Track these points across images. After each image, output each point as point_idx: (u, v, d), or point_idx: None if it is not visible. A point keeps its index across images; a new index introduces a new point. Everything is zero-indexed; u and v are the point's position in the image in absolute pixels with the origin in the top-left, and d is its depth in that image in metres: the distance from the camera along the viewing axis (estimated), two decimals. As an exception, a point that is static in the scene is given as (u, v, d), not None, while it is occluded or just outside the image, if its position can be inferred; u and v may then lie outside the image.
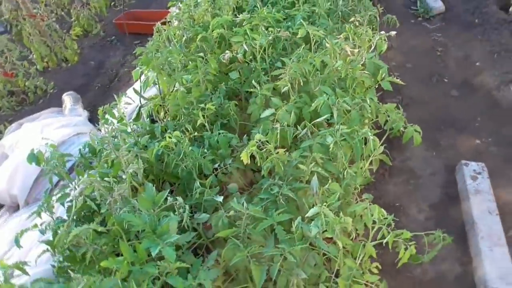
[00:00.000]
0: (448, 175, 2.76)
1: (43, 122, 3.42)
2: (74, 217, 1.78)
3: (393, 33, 2.37)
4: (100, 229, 1.56)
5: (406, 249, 1.60)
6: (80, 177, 2.15)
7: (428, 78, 3.70)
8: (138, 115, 3.00)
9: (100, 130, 3.49)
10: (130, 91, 3.63)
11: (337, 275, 1.80)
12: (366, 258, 1.74)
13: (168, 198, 1.64)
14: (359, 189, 1.95)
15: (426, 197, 2.62)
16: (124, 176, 1.75)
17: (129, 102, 2.68)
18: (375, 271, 1.87)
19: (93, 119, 3.89)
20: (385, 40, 2.47)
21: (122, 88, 4.37)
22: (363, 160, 2.10)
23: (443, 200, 2.59)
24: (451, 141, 3.02)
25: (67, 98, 4.03)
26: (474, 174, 2.58)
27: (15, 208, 2.94)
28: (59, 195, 1.90)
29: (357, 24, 2.70)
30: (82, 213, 1.90)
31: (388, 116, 2.23)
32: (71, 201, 1.83)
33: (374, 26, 2.93)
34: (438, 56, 3.98)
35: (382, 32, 2.38)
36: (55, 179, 2.90)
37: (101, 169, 2.09)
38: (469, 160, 2.76)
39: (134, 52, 4.74)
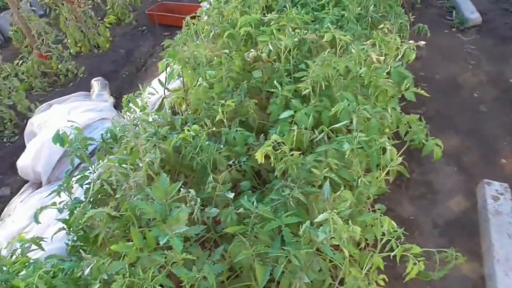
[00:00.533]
0: (468, 192, 2.69)
1: (71, 104, 3.52)
2: (91, 199, 1.83)
3: (422, 43, 2.32)
4: (113, 213, 1.61)
5: (414, 264, 1.56)
6: (100, 161, 2.22)
7: (456, 91, 3.61)
8: (161, 105, 3.05)
9: (123, 117, 3.57)
10: (155, 82, 3.70)
11: (341, 283, 1.79)
12: (374, 269, 1.71)
13: (181, 189, 1.67)
14: (372, 199, 1.92)
15: (442, 213, 2.56)
16: (141, 164, 1.78)
17: (153, 92, 2.74)
18: (382, 283, 1.84)
19: (118, 106, 3.97)
20: (413, 49, 2.43)
21: (148, 78, 4.45)
22: (380, 169, 2.07)
23: (460, 218, 2.53)
24: (475, 158, 2.95)
25: (96, 83, 4.13)
26: (496, 194, 2.51)
27: (38, 184, 3.05)
28: (78, 176, 1.96)
29: (386, 31, 2.66)
30: (99, 196, 1.95)
31: (410, 127, 2.20)
32: (89, 183, 1.90)
33: (403, 34, 2.88)
34: (469, 69, 3.88)
35: (411, 41, 2.33)
36: (77, 161, 2.99)
37: (120, 155, 2.15)
38: (492, 180, 2.68)
39: (162, 43, 4.83)
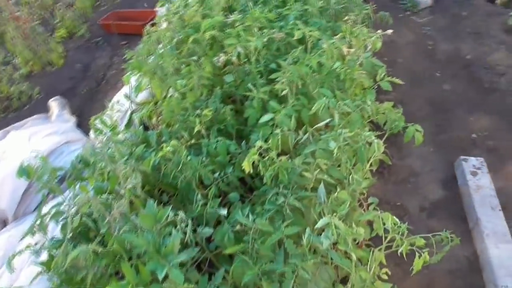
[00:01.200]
0: (447, 170, 2.74)
1: (30, 130, 3.31)
2: (70, 236, 1.71)
3: (389, 31, 2.33)
4: (100, 250, 1.50)
5: (420, 256, 1.56)
6: (72, 189, 2.09)
7: (420, 73, 3.68)
8: (130, 121, 2.92)
9: (90, 138, 3.40)
10: (119, 96, 3.54)
11: (342, 281, 1.77)
12: (376, 265, 1.70)
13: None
14: (365, 194, 1.91)
15: (427, 195, 2.60)
16: (122, 191, 1.67)
17: (120, 109, 2.61)
18: (385, 277, 1.83)
19: (81, 125, 3.78)
20: (379, 38, 2.44)
21: (110, 91, 4.26)
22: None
23: (445, 197, 2.58)
24: (448, 136, 3.01)
25: (54, 104, 3.91)
26: (474, 170, 2.57)
27: (3, 222, 2.84)
28: (52, 212, 1.82)
29: (351, 22, 2.66)
30: (78, 231, 1.82)
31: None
32: (65, 218, 1.77)
33: (367, 24, 2.89)
34: (428, 50, 3.97)
35: (379, 31, 2.33)
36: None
37: (95, 182, 2.03)
38: (467, 155, 2.75)
39: (121, 53, 4.62)
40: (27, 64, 4.69)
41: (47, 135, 3.13)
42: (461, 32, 4.02)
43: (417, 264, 1.57)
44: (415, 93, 3.45)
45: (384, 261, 1.71)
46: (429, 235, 1.81)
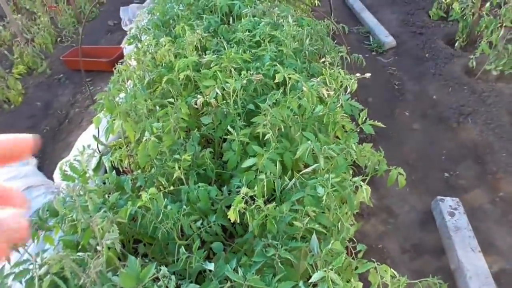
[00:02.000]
0: (424, 211, 2.76)
1: (-14, 174, 3.05)
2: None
3: (368, 75, 2.37)
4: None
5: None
6: (35, 241, 1.91)
7: (390, 112, 3.77)
8: (99, 164, 2.75)
9: (53, 181, 3.18)
10: (85, 137, 3.37)
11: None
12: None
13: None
14: (355, 241, 1.85)
15: (407, 236, 2.59)
16: (99, 248, 1.53)
17: (90, 153, 2.46)
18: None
19: (43, 167, 3.55)
20: (355, 81, 2.48)
21: (74, 131, 4.07)
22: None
23: (424, 238, 2.58)
24: (421, 176, 3.06)
25: (12, 145, 3.66)
26: (451, 210, 2.60)
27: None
28: (17, 271, 1.63)
29: (327, 64, 2.69)
30: (48, 289, 1.64)
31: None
32: (32, 278, 1.59)
33: (342, 66, 2.94)
34: (396, 90, 4.10)
35: (358, 74, 2.37)
36: None
37: (66, 234, 1.86)
38: (442, 194, 2.79)
39: (85, 91, 4.46)
40: (-17, 102, 4.42)
41: (7, 179, 2.89)
42: (425, 73, 4.20)
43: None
44: (386, 132, 3.51)
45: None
46: (417, 281, 1.78)
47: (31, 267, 1.58)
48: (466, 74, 3.99)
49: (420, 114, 3.73)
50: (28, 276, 1.61)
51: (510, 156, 2.96)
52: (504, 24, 3.53)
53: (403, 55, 4.67)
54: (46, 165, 3.59)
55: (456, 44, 4.45)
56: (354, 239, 1.96)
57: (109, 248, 1.62)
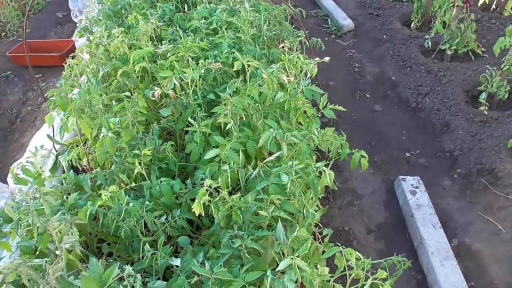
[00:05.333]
0: (387, 191, 2.82)
1: None
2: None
3: (327, 58, 2.36)
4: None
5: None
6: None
7: (351, 95, 3.82)
8: (56, 164, 2.63)
9: (7, 185, 3.02)
10: (39, 137, 3.22)
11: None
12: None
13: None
14: (321, 226, 1.86)
15: (371, 217, 2.65)
16: (58, 252, 1.46)
17: (42, 153, 2.34)
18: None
19: (-5, 170, 3.37)
20: (315, 65, 2.47)
21: (28, 130, 3.87)
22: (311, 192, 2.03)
23: (388, 218, 2.64)
24: (384, 156, 3.12)
25: (-39, 148, 3.45)
26: (413, 189, 2.67)
27: None
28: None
29: (286, 49, 2.67)
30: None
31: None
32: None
33: (301, 51, 2.93)
34: (356, 72, 4.15)
35: (317, 58, 2.36)
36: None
37: (22, 241, 1.77)
38: (403, 173, 2.86)
39: (36, 88, 4.24)
40: None
41: (-45, 186, 2.72)
42: (384, 55, 4.26)
43: (381, 296, 1.54)
44: (348, 114, 3.55)
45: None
46: (382, 260, 1.81)
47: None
48: (423, 54, 4.08)
49: (381, 96, 3.79)
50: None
51: (465, 133, 3.06)
52: (456, 4, 3.61)
53: (361, 37, 4.72)
54: (-1, 169, 3.41)
55: (412, 25, 4.54)
56: (320, 224, 1.98)
57: (70, 251, 1.55)
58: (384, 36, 4.53)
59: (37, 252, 1.70)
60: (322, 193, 2.19)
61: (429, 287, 2.25)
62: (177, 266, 1.58)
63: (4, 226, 1.90)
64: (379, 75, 4.03)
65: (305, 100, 2.25)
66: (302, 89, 2.31)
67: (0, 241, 1.85)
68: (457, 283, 2.15)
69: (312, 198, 1.96)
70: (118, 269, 1.40)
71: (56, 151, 2.71)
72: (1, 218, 1.85)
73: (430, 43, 3.92)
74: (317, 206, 2.17)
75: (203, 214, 1.67)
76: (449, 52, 3.84)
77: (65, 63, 2.83)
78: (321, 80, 3.95)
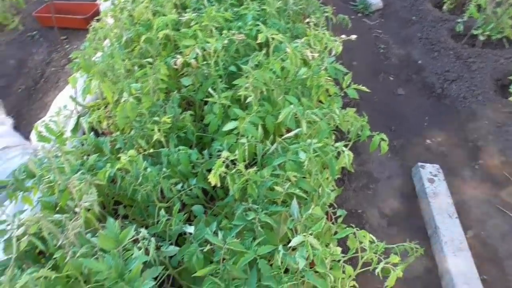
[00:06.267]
0: (404, 177, 2.79)
1: (-41, 134, 2.95)
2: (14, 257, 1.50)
3: (353, 36, 2.31)
4: (53, 276, 1.33)
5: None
6: (13, 201, 1.86)
7: (374, 76, 3.73)
8: (77, 125, 2.67)
9: (30, 141, 3.09)
10: (62, 97, 3.25)
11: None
12: (346, 280, 1.65)
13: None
14: (336, 206, 1.86)
15: (386, 201, 2.63)
16: (77, 209, 1.49)
17: (67, 114, 2.37)
18: (352, 289, 1.79)
19: (19, 127, 3.44)
20: (340, 43, 2.42)
21: (51, 90, 3.93)
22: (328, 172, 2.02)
23: (403, 204, 2.62)
24: (403, 142, 3.07)
25: (-14, 104, 3.52)
26: (431, 177, 2.63)
27: None
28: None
29: (312, 25, 2.61)
30: (25, 252, 1.62)
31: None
32: (10, 238, 1.56)
33: (327, 27, 2.86)
34: (381, 53, 4.04)
35: (343, 35, 2.30)
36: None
37: (43, 196, 1.82)
38: (422, 161, 2.81)
39: (61, 49, 4.27)
40: (-48, 58, 4.21)
41: (-21, 140, 2.79)
42: (411, 37, 4.13)
43: (391, 280, 1.54)
44: (370, 96, 3.48)
45: (353, 275, 1.67)
46: (394, 245, 1.80)
47: (8, 227, 1.54)
48: (453, 39, 3.94)
49: (405, 79, 3.70)
50: (6, 237, 1.58)
51: (491, 123, 2.98)
52: (493, -13, 3.46)
53: (389, 17, 4.58)
54: (22, 126, 3.48)
55: (444, 7, 4.37)
56: (335, 205, 1.97)
57: (88, 209, 1.59)
58: (413, 17, 4.38)
59: (57, 208, 1.75)
60: (338, 175, 2.18)
61: (440, 276, 2.24)
62: (190, 234, 1.61)
63: (27, 181, 1.96)
64: (405, 58, 3.92)
65: (328, 78, 2.21)
66: (326, 66, 2.27)
67: (23, 195, 1.91)
68: (469, 274, 2.13)
69: (328, 178, 1.95)
70: (134, 231, 1.43)
71: (78, 112, 2.75)
72: (24, 173, 1.90)
73: (462, 27, 3.77)
74: (333, 186, 2.17)
75: (218, 185, 1.68)
76: (481, 38, 3.69)
77: (90, 26, 2.83)
78: (345, 60, 3.88)
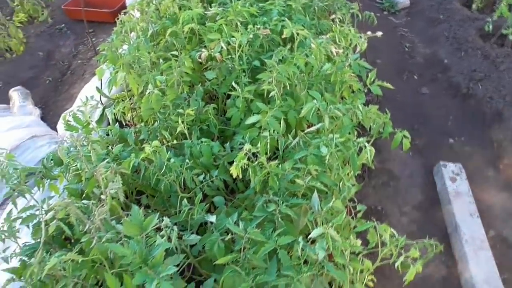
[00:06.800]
0: (426, 175, 2.76)
1: (-10, 122, 3.06)
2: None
3: (379, 33, 2.30)
4: (81, 259, 1.38)
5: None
6: (40, 188, 1.93)
7: (398, 75, 3.70)
8: (102, 116, 2.74)
9: (56, 131, 3.18)
10: (88, 89, 3.33)
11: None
12: (365, 273, 1.66)
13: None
14: (356, 201, 1.86)
15: (406, 199, 2.61)
16: (103, 196, 1.54)
17: (93, 104, 2.43)
18: (370, 284, 1.80)
19: (45, 118, 3.54)
20: (365, 40, 2.41)
21: (76, 82, 4.02)
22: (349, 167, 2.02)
23: (424, 202, 2.59)
24: (426, 141, 3.04)
25: (15, 94, 3.63)
26: (453, 176, 2.60)
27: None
28: (24, 216, 1.66)
29: (338, 21, 2.61)
30: (52, 237, 1.68)
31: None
32: (38, 222, 1.62)
33: (352, 24, 2.85)
34: (406, 52, 4.00)
35: (369, 32, 2.29)
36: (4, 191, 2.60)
37: (70, 183, 1.88)
38: (444, 160, 2.77)
39: (87, 42, 4.36)
40: (-17, 50, 4.36)
41: (10, 128, 2.89)
42: (438, 36, 4.07)
43: (411, 274, 1.54)
44: (393, 94, 3.45)
45: (371, 270, 1.67)
46: (414, 241, 1.80)
47: (37, 212, 1.61)
48: (481, 38, 3.86)
49: (429, 78, 3.65)
50: (35, 221, 1.65)
51: (517, 124, 2.92)
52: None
53: (416, 16, 4.51)
54: (49, 116, 3.58)
55: (473, 6, 4.28)
56: (355, 199, 1.97)
57: (112, 198, 1.64)
58: (441, 16, 4.31)
59: (83, 195, 1.81)
60: (359, 170, 2.18)
61: (460, 274, 2.22)
62: (212, 223, 1.64)
63: (54, 169, 2.02)
64: (430, 57, 3.86)
65: (352, 74, 2.20)
66: (350, 63, 2.26)
67: (49, 183, 1.98)
68: (489, 274, 2.11)
69: (349, 174, 1.96)
70: (157, 219, 1.47)
71: (102, 104, 2.81)
72: (52, 161, 1.97)
73: (491, 26, 3.69)
74: (353, 182, 2.17)
75: (240, 177, 1.70)
76: (511, 37, 3.61)
77: (117, 19, 2.89)
78: (369, 57, 3.85)
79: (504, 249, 2.34)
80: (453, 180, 2.58)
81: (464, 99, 3.34)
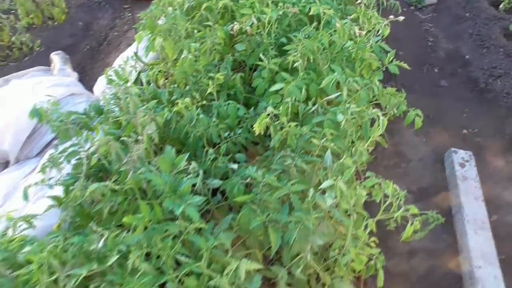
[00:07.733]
0: (437, 161, 2.89)
1: (33, 80, 3.31)
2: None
3: (401, 18, 2.43)
4: (117, 187, 1.58)
5: (412, 224, 1.69)
6: (80, 137, 2.14)
7: (419, 67, 3.81)
8: (137, 80, 2.95)
9: (93, 93, 3.42)
10: (122, 57, 3.55)
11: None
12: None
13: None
14: (365, 167, 2.02)
15: (415, 180, 2.75)
16: (140, 138, 1.74)
17: (132, 64, 2.65)
18: (373, 245, 1.96)
19: (82, 81, 3.78)
20: (388, 25, 2.55)
21: (112, 52, 4.26)
22: (363, 140, 2.17)
23: (432, 185, 2.73)
24: (440, 129, 3.16)
25: (56, 58, 3.89)
26: (463, 162, 2.72)
27: (4, 164, 2.87)
28: (68, 152, 1.88)
29: (363, 6, 2.75)
30: (91, 170, 1.89)
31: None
32: (79, 159, 1.83)
33: (377, 10, 2.98)
34: (429, 46, 4.10)
35: (391, 16, 2.43)
36: (49, 136, 2.85)
37: (109, 129, 2.08)
38: (456, 148, 2.89)
39: (123, 16, 4.59)
40: (28, 16, 4.62)
41: (51, 86, 3.13)
42: (462, 33, 4.15)
43: (408, 231, 1.69)
44: (412, 85, 3.58)
45: (374, 229, 1.83)
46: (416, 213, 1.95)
47: (80, 149, 1.82)
48: (505, 37, 3.92)
49: (449, 72, 3.75)
50: (77, 157, 1.86)
51: (532, 121, 3.01)
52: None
53: (442, 13, 4.59)
54: (85, 81, 3.82)
55: (501, 6, 4.33)
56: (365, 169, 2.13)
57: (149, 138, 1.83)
58: (467, 14, 4.38)
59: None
60: (372, 147, 2.33)
61: (459, 249, 2.36)
62: (233, 171, 1.83)
63: (94, 119, 2.24)
64: (452, 52, 3.95)
65: (372, 54, 2.35)
66: (371, 44, 2.41)
67: (87, 134, 2.19)
68: (487, 251, 2.24)
69: (361, 142, 2.12)
70: (187, 164, 1.66)
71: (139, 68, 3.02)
72: (93, 111, 2.19)
73: (516, 26, 3.77)
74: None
75: (262, 133, 1.88)
76: (534, 39, 3.68)
77: (155, -7, 3.09)
78: (391, 48, 3.96)
79: (505, 233, 2.46)
80: (462, 165, 2.71)
81: (482, 93, 3.44)
